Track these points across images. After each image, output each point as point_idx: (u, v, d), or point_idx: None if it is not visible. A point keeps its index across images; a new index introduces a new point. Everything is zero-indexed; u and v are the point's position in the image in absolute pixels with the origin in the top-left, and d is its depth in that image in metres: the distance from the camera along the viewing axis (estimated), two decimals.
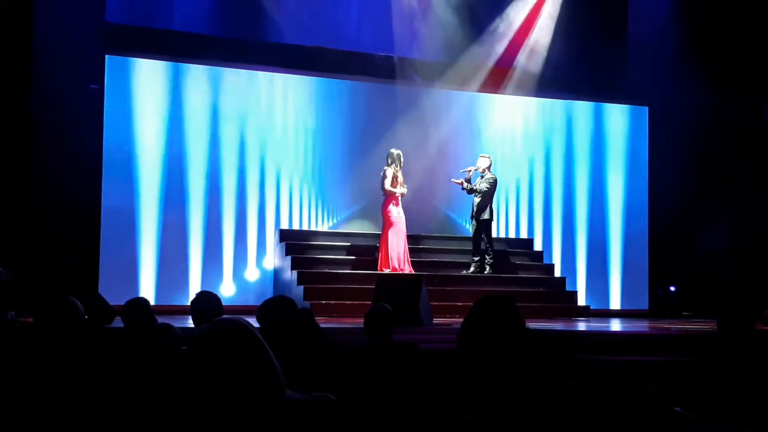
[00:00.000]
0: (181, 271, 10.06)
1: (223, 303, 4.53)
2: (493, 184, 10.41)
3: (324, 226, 11.01)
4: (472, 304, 2.01)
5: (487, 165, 10.47)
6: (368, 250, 10.36)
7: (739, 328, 4.16)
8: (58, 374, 3.08)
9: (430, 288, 8.78)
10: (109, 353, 3.50)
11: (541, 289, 10.61)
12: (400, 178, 10.07)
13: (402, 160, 10.08)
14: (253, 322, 3.03)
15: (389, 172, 10.01)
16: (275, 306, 3.96)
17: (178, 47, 10.33)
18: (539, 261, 11.31)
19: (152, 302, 9.44)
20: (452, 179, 10.57)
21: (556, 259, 11.77)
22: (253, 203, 10.58)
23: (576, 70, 11.98)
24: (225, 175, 10.44)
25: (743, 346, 3.92)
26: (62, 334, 3.36)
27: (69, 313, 3.42)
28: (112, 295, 9.51)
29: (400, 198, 10.10)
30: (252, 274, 10.48)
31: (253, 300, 10.34)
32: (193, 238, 10.22)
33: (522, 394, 1.76)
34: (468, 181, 10.41)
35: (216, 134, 10.43)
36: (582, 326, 9.16)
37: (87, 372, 3.12)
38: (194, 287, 9.89)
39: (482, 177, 10.44)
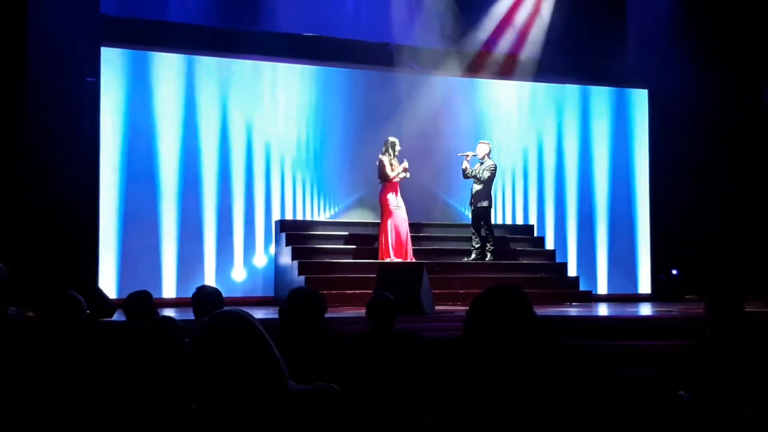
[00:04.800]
0: (183, 263, 10.05)
1: (229, 293, 4.53)
2: (494, 171, 10.40)
3: (323, 216, 10.99)
4: (473, 291, 1.99)
5: (487, 152, 10.44)
6: (369, 239, 10.34)
7: (728, 314, 4.18)
8: (62, 369, 3.07)
9: (432, 276, 8.76)
10: (111, 347, 3.49)
11: (542, 274, 10.60)
12: (395, 166, 10.00)
13: (396, 148, 9.99)
14: (255, 313, 3.00)
15: (385, 160, 9.95)
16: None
17: (174, 38, 10.27)
18: (540, 247, 11.30)
19: (159, 294, 9.52)
20: (459, 154, 10.46)
21: (559, 245, 11.77)
22: (255, 193, 10.56)
23: (575, 53, 11.92)
24: (224, 165, 10.42)
25: (734, 330, 3.93)
26: (65, 330, 3.34)
27: (72, 308, 3.40)
28: (112, 288, 9.57)
29: (398, 186, 10.04)
30: (257, 262, 10.46)
31: (256, 290, 10.32)
32: (193, 231, 10.19)
33: (530, 380, 1.75)
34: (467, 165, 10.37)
35: (213, 125, 10.41)
36: (584, 311, 9.15)
37: (90, 367, 3.11)
38: (199, 278, 9.87)
39: (482, 163, 10.41)
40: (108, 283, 9.49)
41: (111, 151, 9.88)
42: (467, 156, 10.38)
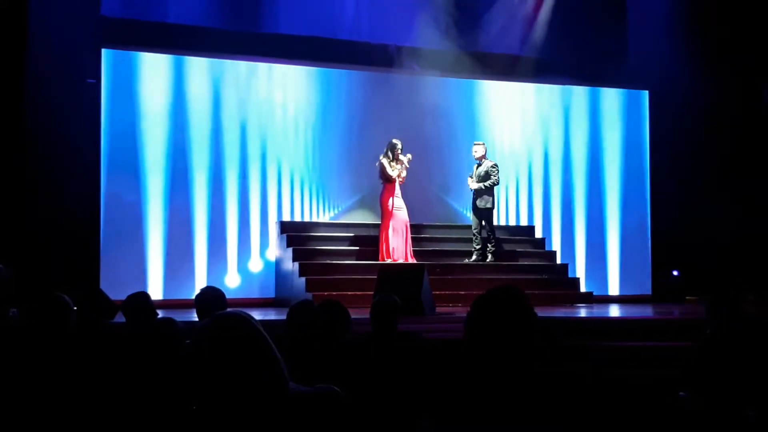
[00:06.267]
0: (183, 264, 10.06)
1: (228, 295, 4.54)
2: (498, 171, 10.39)
3: (325, 217, 10.99)
4: (474, 292, 1.99)
5: (483, 153, 10.45)
6: (369, 241, 10.34)
7: (729, 315, 4.19)
8: (53, 370, 3.07)
9: (432, 277, 8.76)
10: (110, 348, 3.49)
11: (544, 276, 10.60)
12: (395, 167, 10.02)
13: (396, 150, 10.00)
14: (257, 315, 3.01)
15: (385, 161, 9.99)
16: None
17: (175, 40, 10.28)
18: (541, 248, 11.28)
19: (160, 296, 9.54)
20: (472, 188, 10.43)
21: (559, 246, 11.76)
22: (255, 195, 10.58)
23: (575, 54, 11.92)
24: (225, 167, 10.43)
25: (735, 331, 3.93)
26: (52, 331, 3.34)
27: (57, 309, 3.39)
28: (114, 290, 9.55)
29: (398, 187, 10.05)
30: (256, 265, 10.48)
31: (257, 292, 10.36)
32: (194, 232, 10.20)
33: (531, 381, 1.75)
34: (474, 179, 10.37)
35: (214, 126, 10.41)
36: (585, 312, 9.16)
37: (85, 367, 3.11)
38: (199, 281, 9.91)
39: (480, 164, 10.41)
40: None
41: (113, 152, 9.87)
42: (471, 177, 10.37)
